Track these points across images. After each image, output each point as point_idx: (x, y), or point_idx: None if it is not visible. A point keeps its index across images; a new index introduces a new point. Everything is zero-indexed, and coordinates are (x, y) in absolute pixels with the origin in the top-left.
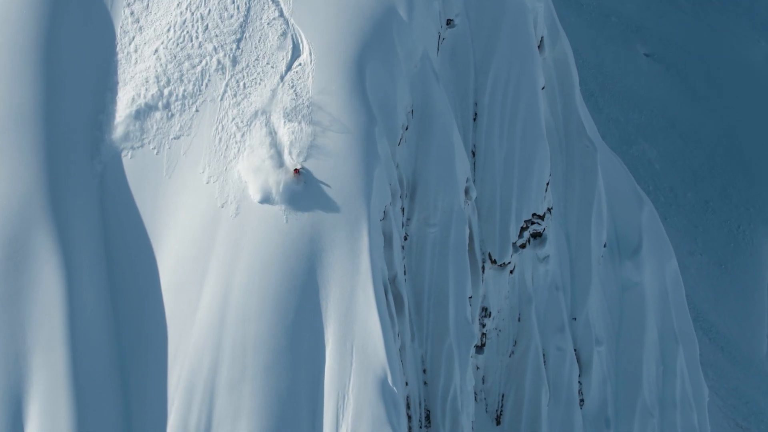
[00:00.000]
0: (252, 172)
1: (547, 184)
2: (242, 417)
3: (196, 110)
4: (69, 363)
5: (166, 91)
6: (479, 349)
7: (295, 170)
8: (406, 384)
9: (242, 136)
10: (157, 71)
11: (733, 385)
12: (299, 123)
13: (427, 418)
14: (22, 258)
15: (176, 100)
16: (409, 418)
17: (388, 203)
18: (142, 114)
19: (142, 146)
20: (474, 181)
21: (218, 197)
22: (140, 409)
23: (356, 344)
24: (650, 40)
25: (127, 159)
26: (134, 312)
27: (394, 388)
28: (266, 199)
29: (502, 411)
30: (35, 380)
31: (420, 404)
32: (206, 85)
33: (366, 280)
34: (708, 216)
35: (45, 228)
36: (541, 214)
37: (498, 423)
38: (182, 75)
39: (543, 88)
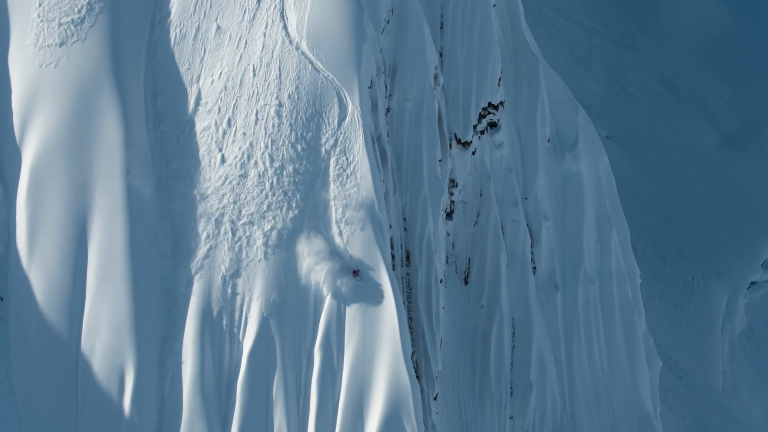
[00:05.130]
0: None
1: (499, 79)
2: (259, 234)
3: None
4: (125, 192)
5: None
6: (449, 215)
7: (354, 272)
8: (390, 227)
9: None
10: None
11: (692, 409)
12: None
13: (407, 258)
14: (92, 110)
15: None
16: (393, 257)
17: (374, 74)
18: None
19: (183, 27)
20: (442, 74)
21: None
22: (179, 231)
23: (349, 179)
24: (611, 125)
25: (172, 37)
26: (175, 154)
27: (380, 215)
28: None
29: (468, 272)
30: (97, 205)
31: (401, 246)
32: None
33: (357, 126)
34: (665, 269)
35: (108, 88)
36: (496, 104)
37: (466, 283)
38: None
39: (494, 6)
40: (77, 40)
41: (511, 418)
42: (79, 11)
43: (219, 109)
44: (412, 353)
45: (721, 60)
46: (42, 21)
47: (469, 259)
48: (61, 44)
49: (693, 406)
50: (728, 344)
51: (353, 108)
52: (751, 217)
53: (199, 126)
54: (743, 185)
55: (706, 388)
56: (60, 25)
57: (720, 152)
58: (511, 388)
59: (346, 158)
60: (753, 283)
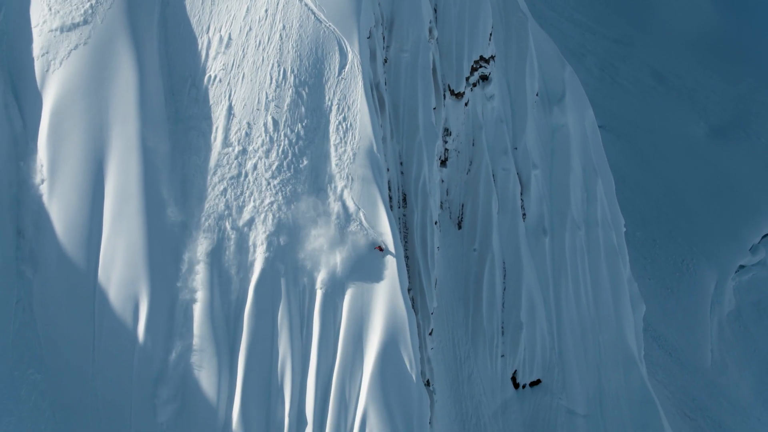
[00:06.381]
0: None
1: (490, 34)
2: (266, 176)
3: None
4: (139, 133)
5: None
6: (443, 163)
7: (378, 247)
8: (388, 170)
9: None
10: None
11: (681, 384)
12: None
13: (404, 200)
14: (109, 57)
15: None
16: (390, 198)
17: (372, 25)
18: None
19: None
20: (436, 28)
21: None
22: (190, 172)
23: (351, 126)
24: (603, 114)
25: None
26: (186, 102)
27: (379, 155)
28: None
29: (462, 218)
30: (113, 146)
31: (398, 189)
32: None
33: (357, 72)
34: (656, 251)
35: (124, 37)
36: (487, 57)
37: (459, 227)
38: None
39: None
40: None
41: (502, 356)
42: None
43: (227, 58)
44: (409, 290)
45: (711, 53)
46: None
47: (463, 205)
48: None
49: (682, 381)
50: (717, 324)
51: (353, 56)
52: (739, 203)
53: (208, 75)
54: (732, 173)
55: (695, 365)
56: None
57: (709, 142)
58: (502, 327)
59: (347, 103)
60: (742, 266)
